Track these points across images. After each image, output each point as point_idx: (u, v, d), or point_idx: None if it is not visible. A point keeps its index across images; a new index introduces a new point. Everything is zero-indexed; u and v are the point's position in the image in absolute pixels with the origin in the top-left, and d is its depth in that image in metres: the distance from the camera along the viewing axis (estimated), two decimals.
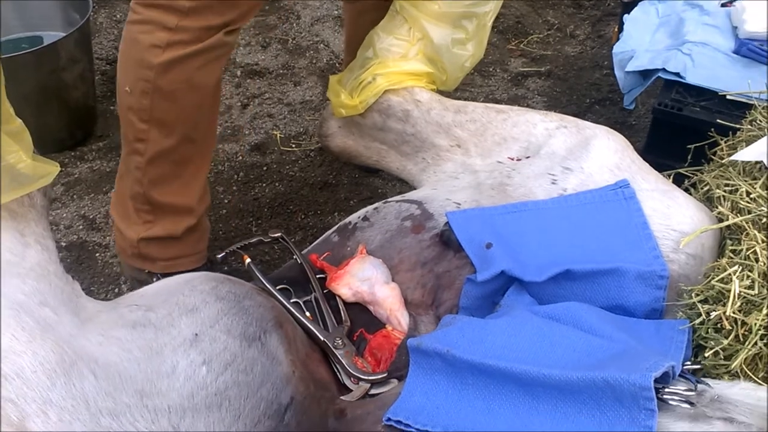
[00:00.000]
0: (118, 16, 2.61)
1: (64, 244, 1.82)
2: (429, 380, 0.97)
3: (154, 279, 1.53)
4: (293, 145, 2.13)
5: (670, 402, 0.86)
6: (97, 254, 1.80)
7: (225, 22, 1.33)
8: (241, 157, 2.10)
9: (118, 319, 0.82)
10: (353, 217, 1.35)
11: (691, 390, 0.87)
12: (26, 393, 0.64)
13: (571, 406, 0.87)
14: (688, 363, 1.02)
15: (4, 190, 0.84)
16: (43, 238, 0.87)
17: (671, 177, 1.38)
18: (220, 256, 1.28)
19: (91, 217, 1.90)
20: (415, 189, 1.49)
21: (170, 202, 1.50)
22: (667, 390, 0.87)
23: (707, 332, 1.03)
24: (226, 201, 1.98)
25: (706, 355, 1.02)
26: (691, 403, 0.84)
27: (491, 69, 2.34)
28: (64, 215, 1.90)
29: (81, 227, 1.87)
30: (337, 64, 2.39)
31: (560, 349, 0.94)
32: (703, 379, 0.95)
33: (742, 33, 1.75)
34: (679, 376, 0.93)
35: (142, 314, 0.83)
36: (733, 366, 0.99)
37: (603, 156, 1.25)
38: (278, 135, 2.16)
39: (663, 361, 0.88)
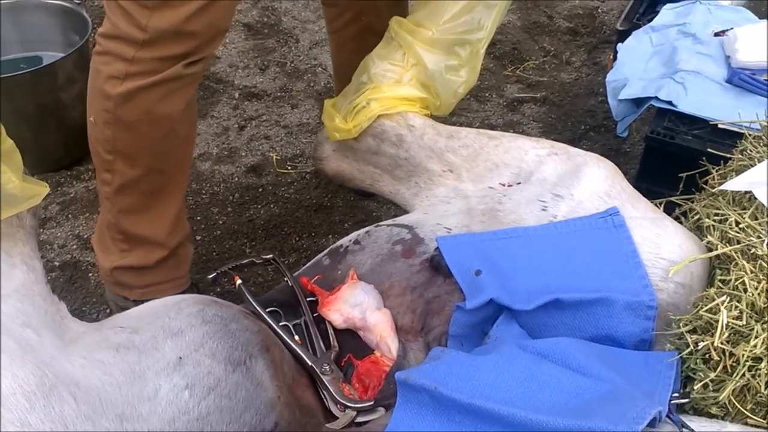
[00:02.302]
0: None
1: (57, 263, 1.82)
2: (415, 415, 0.96)
3: (135, 305, 1.52)
4: (289, 167, 2.14)
5: None
6: (90, 274, 1.79)
7: (184, 53, 1.31)
8: (236, 179, 2.11)
9: (102, 341, 0.82)
10: (344, 241, 1.36)
11: None
12: (5, 415, 0.64)
13: None
14: (676, 395, 1.02)
15: None
16: (30, 259, 0.87)
17: (662, 205, 1.38)
18: (211, 276, 1.28)
19: (85, 236, 1.90)
20: (407, 213, 1.50)
21: (140, 234, 1.50)
22: None
23: (696, 363, 1.03)
24: (220, 222, 1.98)
25: (695, 387, 1.02)
26: None
27: (487, 94, 2.36)
28: (59, 234, 1.91)
29: (75, 247, 1.87)
30: (334, 88, 2.40)
31: (548, 389, 0.94)
32: (690, 420, 0.95)
33: (734, 62, 1.77)
34: (666, 416, 0.93)
35: (126, 336, 0.83)
36: (721, 398, 0.98)
37: (593, 183, 1.26)
38: (274, 157, 2.17)
39: (650, 408, 0.88)
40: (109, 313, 1.71)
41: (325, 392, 1.06)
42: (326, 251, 1.36)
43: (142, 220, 1.48)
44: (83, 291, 1.76)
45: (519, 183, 1.32)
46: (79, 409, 0.68)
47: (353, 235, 1.36)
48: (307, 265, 1.37)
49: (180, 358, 0.81)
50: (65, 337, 0.79)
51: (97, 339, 0.82)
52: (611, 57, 2.40)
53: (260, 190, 2.08)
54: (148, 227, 1.49)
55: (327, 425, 0.99)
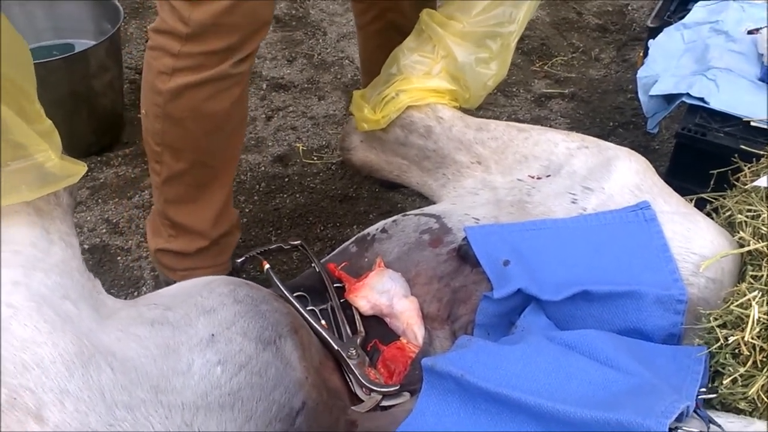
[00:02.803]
0: (148, 26, 2.67)
1: (86, 246, 1.85)
2: (441, 401, 0.96)
3: None
4: (315, 158, 2.15)
5: None
6: (119, 257, 1.82)
7: (227, 47, 1.32)
8: (263, 168, 2.13)
9: (137, 316, 0.83)
10: (372, 229, 1.36)
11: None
12: (44, 382, 0.65)
13: None
14: (704, 390, 1.01)
15: (32, 188, 0.86)
16: (68, 236, 0.89)
17: (693, 202, 1.37)
18: (240, 260, 1.30)
19: (114, 221, 1.92)
20: (434, 204, 1.50)
21: (184, 223, 1.54)
22: (682, 430, 0.86)
23: (725, 358, 1.02)
24: (246, 210, 2.00)
25: (724, 382, 1.01)
26: None
27: (515, 89, 2.35)
28: (88, 218, 1.94)
29: (104, 231, 1.90)
30: (360, 80, 2.41)
31: (575, 381, 0.94)
32: (717, 416, 0.94)
33: (767, 60, 1.74)
34: (694, 411, 0.92)
35: (161, 313, 0.84)
36: (750, 393, 0.98)
37: (624, 177, 1.25)
38: (301, 147, 2.19)
39: (678, 402, 0.87)
40: (137, 296, 1.74)
41: (350, 376, 1.07)
42: (353, 239, 1.37)
43: (186, 211, 1.52)
44: (111, 274, 1.78)
45: (548, 176, 1.32)
46: (116, 378, 0.70)
47: (380, 224, 1.36)
48: (334, 252, 1.38)
49: (212, 335, 0.82)
50: (101, 311, 0.81)
51: (132, 314, 0.83)
52: (641, 54, 2.38)
53: (286, 179, 2.09)
54: (192, 218, 1.52)
55: (352, 408, 0.99)
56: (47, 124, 0.92)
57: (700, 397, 0.98)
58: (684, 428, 0.87)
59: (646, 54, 2.07)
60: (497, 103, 2.28)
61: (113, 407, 0.67)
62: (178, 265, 1.59)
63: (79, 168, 0.91)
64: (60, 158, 0.90)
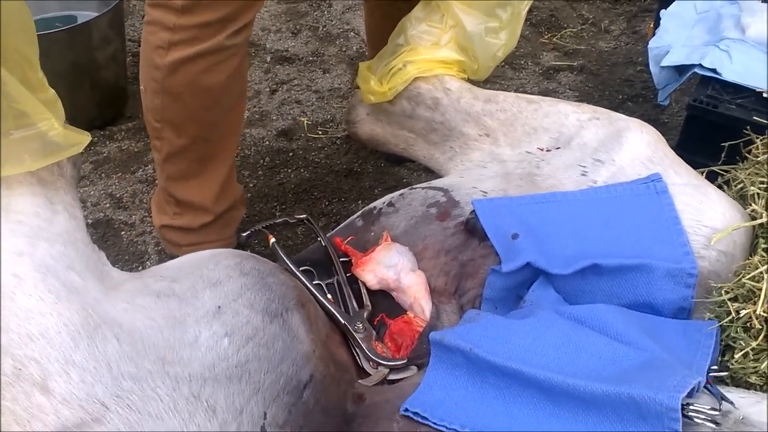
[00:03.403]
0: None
1: (90, 221, 1.84)
2: (449, 375, 0.96)
3: None
4: (320, 132, 2.13)
5: (695, 419, 0.84)
6: (123, 232, 1.81)
7: (221, 18, 1.29)
8: (267, 142, 2.11)
9: (143, 288, 0.82)
10: (378, 203, 1.35)
11: (715, 409, 0.85)
12: (49, 353, 0.65)
13: (593, 418, 0.86)
14: (715, 368, 1.00)
15: (35, 157, 0.85)
16: (72, 207, 0.88)
17: (704, 174, 1.35)
18: (245, 234, 1.28)
19: (118, 195, 1.91)
20: (440, 178, 1.48)
21: (188, 199, 1.53)
22: (691, 408, 0.85)
23: (736, 332, 1.01)
24: (251, 185, 1.98)
25: (735, 356, 1.00)
26: (716, 423, 0.83)
27: (522, 62, 2.31)
28: (92, 193, 1.93)
29: (108, 205, 1.89)
30: (366, 53, 2.38)
31: (585, 355, 0.93)
32: (727, 391, 0.93)
33: None
34: (704, 387, 0.91)
35: (167, 285, 0.83)
36: (761, 367, 0.97)
37: (635, 149, 1.23)
38: (305, 121, 2.16)
39: (690, 378, 0.86)
40: (141, 270, 1.74)
41: (357, 349, 1.07)
42: (359, 213, 1.36)
43: (189, 187, 1.51)
44: (115, 249, 1.78)
45: (558, 148, 1.29)
46: (122, 349, 0.69)
47: (387, 198, 1.35)
48: (340, 226, 1.36)
49: (219, 307, 0.81)
50: (106, 283, 0.80)
51: (138, 286, 0.82)
52: (651, 26, 2.33)
53: (290, 154, 2.07)
54: (195, 193, 1.52)
55: (360, 381, 0.99)
56: (50, 93, 0.91)
57: (711, 374, 0.97)
58: (696, 405, 0.86)
59: (656, 26, 2.03)
60: (505, 76, 2.25)
61: (120, 378, 0.67)
62: (183, 241, 1.58)
63: (83, 137, 0.90)
64: (63, 127, 0.89)
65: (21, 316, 0.65)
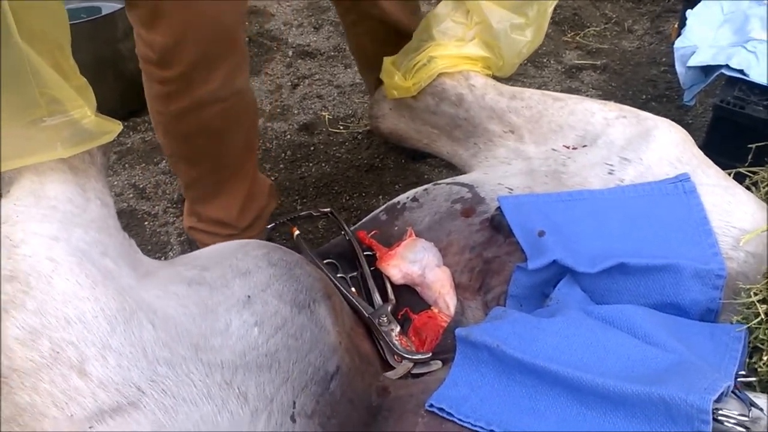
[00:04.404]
0: None
1: None
2: (475, 372, 0.95)
3: None
4: (341, 127, 2.13)
5: (725, 423, 0.83)
6: (146, 222, 1.82)
7: (194, 68, 1.25)
8: (289, 136, 2.11)
9: (175, 275, 0.83)
10: (402, 197, 1.34)
11: (744, 415, 0.84)
12: (87, 337, 0.65)
13: (621, 419, 0.84)
14: (743, 373, 0.99)
15: (67, 145, 0.85)
16: (103, 195, 0.88)
17: (731, 175, 1.34)
18: (269, 226, 1.29)
19: (141, 186, 1.92)
20: (462, 174, 1.48)
21: (212, 216, 1.54)
22: (720, 412, 0.84)
23: (765, 334, 1.00)
24: (272, 178, 1.98)
25: (763, 358, 0.99)
26: (745, 428, 0.82)
27: (545, 60, 2.30)
28: (115, 183, 1.94)
29: (131, 195, 1.90)
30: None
31: (614, 356, 0.92)
32: (755, 396, 0.92)
33: None
34: (732, 392, 0.90)
35: (198, 273, 0.84)
36: None
37: (663, 148, 1.22)
38: (327, 116, 2.16)
39: (720, 381, 0.85)
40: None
41: (381, 343, 1.07)
42: (383, 207, 1.35)
43: (211, 206, 1.52)
44: (138, 239, 1.79)
45: (584, 146, 1.29)
46: (157, 335, 0.69)
47: (411, 192, 1.35)
48: (364, 220, 1.36)
49: (248, 296, 0.81)
50: (139, 270, 0.80)
51: (170, 273, 0.83)
52: (675, 26, 2.31)
53: (312, 148, 2.07)
54: (218, 211, 1.52)
55: (384, 374, 0.99)
56: (82, 81, 0.91)
57: (739, 379, 0.96)
58: (725, 410, 0.85)
59: (680, 26, 2.01)
60: (527, 74, 2.24)
61: (155, 363, 0.67)
62: (211, 242, 1.58)
63: (115, 126, 0.90)
64: (95, 115, 0.89)
65: (58, 300, 0.66)
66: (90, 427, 0.61)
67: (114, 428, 0.61)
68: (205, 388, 0.68)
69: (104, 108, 2.22)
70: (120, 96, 2.13)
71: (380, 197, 1.93)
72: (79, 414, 0.61)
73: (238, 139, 1.44)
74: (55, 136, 0.84)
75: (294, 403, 0.75)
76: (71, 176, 0.85)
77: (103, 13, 2.10)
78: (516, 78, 2.19)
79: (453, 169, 1.82)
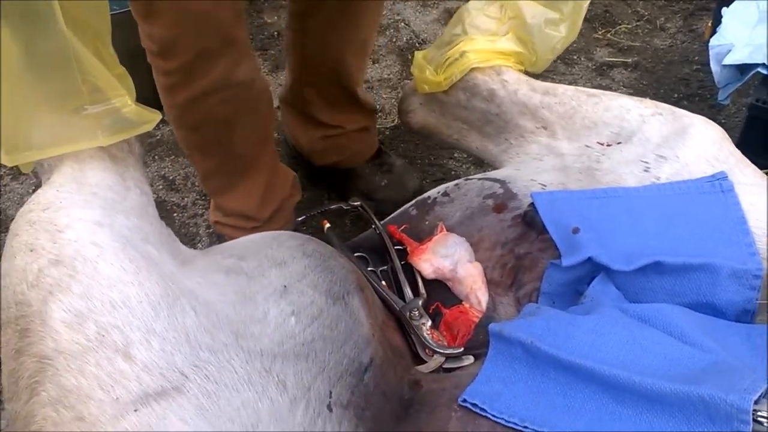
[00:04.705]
0: None
1: None
2: (508, 368, 0.94)
3: None
4: None
5: (764, 424, 0.82)
6: (175, 214, 1.84)
7: (195, 58, 1.26)
8: None
9: (213, 264, 0.83)
10: (433, 192, 1.34)
11: None
12: (132, 321, 0.66)
13: (658, 417, 0.83)
14: None
15: (107, 133, 0.86)
16: (142, 183, 0.89)
17: None
18: (299, 219, 1.29)
19: (170, 178, 1.94)
20: (494, 170, 1.47)
21: (233, 208, 1.54)
22: (760, 413, 0.83)
23: None
24: (299, 172, 1.99)
25: None
26: None
27: (575, 57, 2.28)
28: (146, 173, 1.96)
29: (161, 187, 1.91)
30: (417, 44, 2.37)
31: (650, 355, 0.90)
32: None
33: None
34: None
35: (235, 262, 0.84)
36: None
37: (700, 146, 1.20)
38: None
39: (760, 382, 0.84)
40: None
41: (413, 336, 1.06)
42: (413, 202, 1.35)
43: (231, 198, 1.53)
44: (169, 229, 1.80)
45: (619, 143, 1.27)
46: (199, 321, 0.70)
47: (442, 187, 1.34)
48: (393, 214, 1.36)
49: (285, 286, 0.82)
50: (178, 257, 0.81)
51: (208, 262, 0.83)
52: (709, 24, 2.28)
53: None
54: (239, 203, 1.53)
55: (416, 367, 0.99)
56: (122, 70, 0.92)
57: None
58: (764, 411, 0.83)
59: (714, 24, 1.99)
60: (557, 71, 2.22)
61: (197, 349, 0.67)
62: (237, 235, 1.59)
63: (155, 115, 0.91)
64: (135, 104, 0.90)
65: (104, 284, 0.67)
66: (135, 410, 0.62)
67: (158, 411, 0.62)
68: (245, 375, 0.68)
69: (136, 100, 2.24)
70: (151, 87, 2.13)
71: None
72: (124, 397, 0.62)
73: (250, 129, 1.44)
74: (96, 124, 0.85)
75: (330, 393, 0.75)
76: (111, 164, 0.86)
77: None
78: (546, 75, 2.17)
79: (480, 165, 1.82)
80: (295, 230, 1.60)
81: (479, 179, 1.32)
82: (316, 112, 1.73)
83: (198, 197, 1.87)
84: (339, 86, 1.69)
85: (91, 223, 0.71)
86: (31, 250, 0.69)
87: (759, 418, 0.82)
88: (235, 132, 1.41)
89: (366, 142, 1.84)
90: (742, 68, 1.73)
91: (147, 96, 2.10)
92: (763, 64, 1.64)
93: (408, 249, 1.20)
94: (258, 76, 1.42)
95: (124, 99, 0.87)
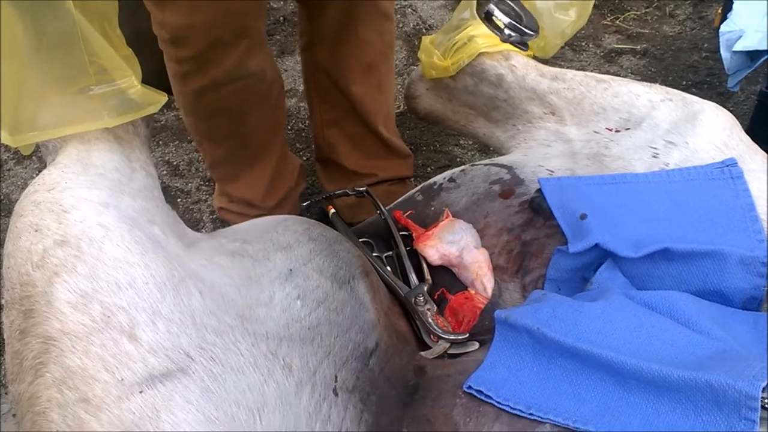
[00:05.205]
0: None
1: None
2: (514, 354, 0.94)
3: None
4: None
5: None
6: (179, 200, 1.84)
7: (209, 48, 1.24)
8: None
9: (218, 247, 0.83)
10: (438, 178, 1.33)
11: None
12: (137, 302, 0.65)
13: (665, 404, 0.83)
14: None
15: (113, 114, 0.85)
16: (147, 165, 0.88)
17: None
18: (305, 204, 1.29)
19: (174, 163, 1.94)
20: (500, 156, 1.46)
21: (239, 195, 1.54)
22: (767, 401, 0.82)
23: None
24: (304, 158, 1.98)
25: None
26: None
27: (584, 44, 2.26)
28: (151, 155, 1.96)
29: (165, 173, 1.91)
30: (424, 30, 2.35)
31: (657, 341, 0.90)
32: None
33: None
34: None
35: (240, 245, 0.84)
36: None
37: (710, 132, 1.19)
38: None
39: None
40: None
41: (418, 322, 1.06)
42: (419, 187, 1.34)
43: (238, 186, 1.53)
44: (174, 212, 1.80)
45: (628, 129, 1.26)
46: (205, 304, 0.69)
47: (448, 173, 1.33)
48: (399, 200, 1.35)
49: (290, 270, 0.81)
50: (184, 240, 0.80)
51: (213, 245, 0.83)
52: (719, 11, 2.26)
53: None
54: (245, 191, 1.53)
55: (421, 353, 0.98)
56: (128, 51, 0.91)
57: None
58: None
59: (725, 11, 1.96)
60: (565, 58, 2.20)
61: (203, 331, 0.67)
62: (242, 221, 1.60)
63: (161, 97, 0.90)
64: (142, 86, 0.89)
65: (110, 265, 0.66)
66: (140, 392, 0.61)
67: (164, 393, 0.61)
68: (251, 357, 0.68)
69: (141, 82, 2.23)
70: (156, 72, 2.12)
71: (412, 179, 1.92)
72: (129, 378, 0.62)
73: (261, 119, 1.43)
74: (101, 105, 0.84)
75: (336, 377, 0.75)
76: (117, 146, 0.86)
77: None
78: (554, 61, 2.16)
79: (486, 152, 1.81)
80: (300, 216, 1.60)
81: (486, 165, 1.31)
82: (342, 158, 1.65)
83: (202, 183, 1.87)
84: (361, 125, 1.61)
85: (97, 204, 0.70)
86: (36, 231, 0.69)
87: (767, 405, 0.82)
88: (246, 122, 1.41)
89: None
90: (753, 55, 1.71)
91: (152, 79, 2.11)
92: None
93: (413, 235, 1.20)
94: (270, 67, 1.41)
95: (130, 80, 0.86)
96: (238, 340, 0.68)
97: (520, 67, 1.44)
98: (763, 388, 0.83)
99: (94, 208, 0.69)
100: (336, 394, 0.73)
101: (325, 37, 1.52)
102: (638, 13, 2.38)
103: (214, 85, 1.30)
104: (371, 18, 1.53)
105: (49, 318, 0.64)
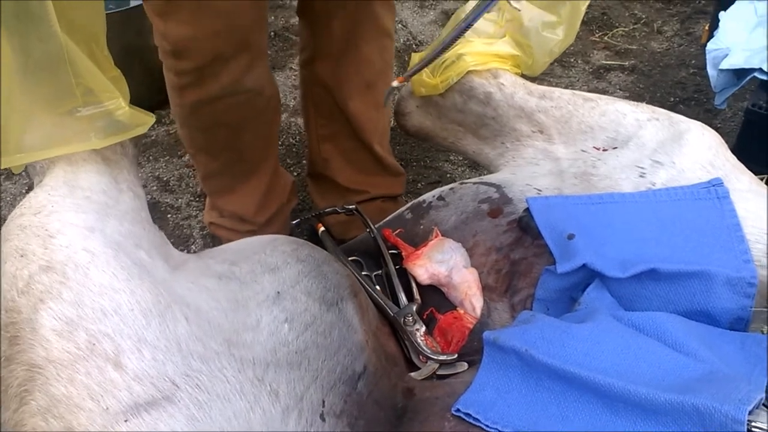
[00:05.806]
0: None
1: None
2: (502, 376, 0.94)
3: None
4: None
5: None
6: (169, 215, 1.83)
7: (211, 62, 1.25)
8: None
9: (205, 269, 0.82)
10: (428, 196, 1.34)
11: None
12: (123, 329, 0.65)
13: (652, 427, 0.83)
14: None
15: (101, 135, 0.85)
16: (135, 186, 0.88)
17: (764, 181, 1.32)
18: (294, 222, 1.28)
19: (164, 178, 1.93)
20: (489, 173, 1.47)
21: (231, 210, 1.54)
22: (754, 424, 0.82)
23: None
24: (295, 174, 1.99)
25: None
26: None
27: (572, 60, 2.28)
28: (139, 175, 1.95)
29: (155, 188, 1.91)
30: (414, 45, 2.36)
31: (645, 364, 0.90)
32: None
33: None
34: (763, 404, 0.88)
35: (227, 267, 0.84)
36: None
37: (696, 152, 1.20)
38: None
39: (754, 393, 0.83)
40: None
41: (407, 342, 1.06)
42: (408, 205, 1.35)
43: (230, 200, 1.52)
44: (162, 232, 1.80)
45: (615, 147, 1.27)
46: (191, 330, 0.69)
47: (437, 191, 1.34)
48: (388, 218, 1.36)
49: (278, 292, 0.81)
50: (170, 262, 0.80)
51: (200, 266, 0.83)
52: (706, 28, 2.28)
53: None
54: (237, 205, 1.53)
55: (410, 374, 0.98)
56: (117, 73, 0.91)
57: None
58: (757, 423, 0.83)
59: (711, 28, 1.99)
60: (554, 74, 2.22)
61: (189, 358, 0.67)
62: (232, 237, 1.59)
63: (148, 118, 0.90)
64: (129, 107, 0.89)
65: (95, 291, 0.66)
66: (125, 421, 0.61)
67: (149, 422, 0.61)
68: (237, 384, 0.68)
69: (130, 100, 2.24)
70: (146, 88, 2.14)
71: (402, 195, 1.93)
72: (114, 407, 0.61)
73: (257, 134, 1.44)
74: (89, 126, 0.84)
75: (323, 402, 0.75)
76: (104, 167, 0.86)
77: (132, 4, 2.11)
78: (542, 78, 2.17)
79: (475, 168, 1.82)
80: (290, 233, 1.59)
81: (474, 183, 1.31)
82: (336, 174, 1.65)
83: (192, 198, 1.87)
84: (356, 141, 1.62)
85: (83, 229, 0.70)
86: (22, 256, 0.68)
87: (754, 429, 0.82)
88: (242, 136, 1.41)
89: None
90: (739, 73, 1.73)
91: (141, 94, 2.11)
92: (760, 68, 1.64)
93: (403, 254, 1.20)
94: (268, 82, 1.41)
95: (117, 101, 0.86)
96: (224, 367, 0.68)
97: (508, 85, 1.45)
98: (751, 411, 0.84)
99: (80, 233, 0.69)
100: (323, 420, 0.73)
101: (327, 53, 1.53)
102: (626, 29, 2.41)
103: (212, 98, 1.31)
104: (373, 36, 1.54)
105: (34, 345, 0.64)
